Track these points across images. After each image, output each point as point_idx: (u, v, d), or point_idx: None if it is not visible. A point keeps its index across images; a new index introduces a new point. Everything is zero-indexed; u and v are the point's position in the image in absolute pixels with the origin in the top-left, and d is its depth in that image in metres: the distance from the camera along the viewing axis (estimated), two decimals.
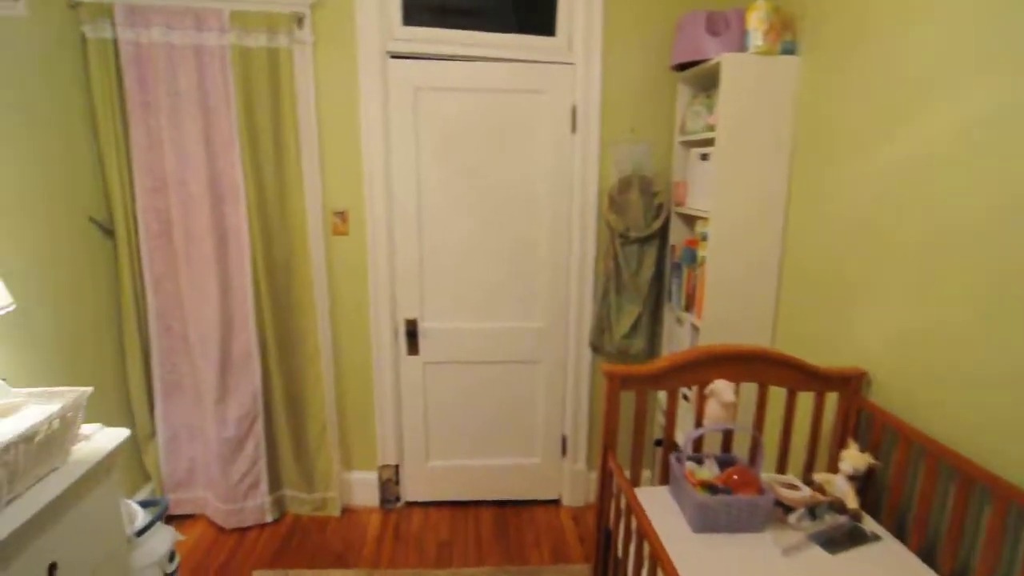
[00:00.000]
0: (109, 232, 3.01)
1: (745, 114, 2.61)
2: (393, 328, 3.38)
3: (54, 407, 1.84)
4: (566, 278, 3.37)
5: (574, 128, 3.17)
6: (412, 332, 3.39)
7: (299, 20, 2.92)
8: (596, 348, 3.38)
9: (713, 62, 2.68)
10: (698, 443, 2.61)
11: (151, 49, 2.82)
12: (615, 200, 3.14)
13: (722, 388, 2.23)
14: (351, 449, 3.51)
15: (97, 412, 2.92)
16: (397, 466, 3.54)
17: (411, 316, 3.38)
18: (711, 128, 2.73)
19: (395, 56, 3.07)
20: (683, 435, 2.95)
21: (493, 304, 3.40)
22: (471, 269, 3.36)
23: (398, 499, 3.59)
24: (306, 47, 2.98)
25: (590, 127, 3.15)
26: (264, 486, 3.31)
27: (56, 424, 1.73)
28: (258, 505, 3.32)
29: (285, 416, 3.28)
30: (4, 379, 1.95)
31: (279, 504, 3.41)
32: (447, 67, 3.10)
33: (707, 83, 3.00)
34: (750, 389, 2.70)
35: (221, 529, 3.31)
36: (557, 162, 3.21)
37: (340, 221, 3.25)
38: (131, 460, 3.26)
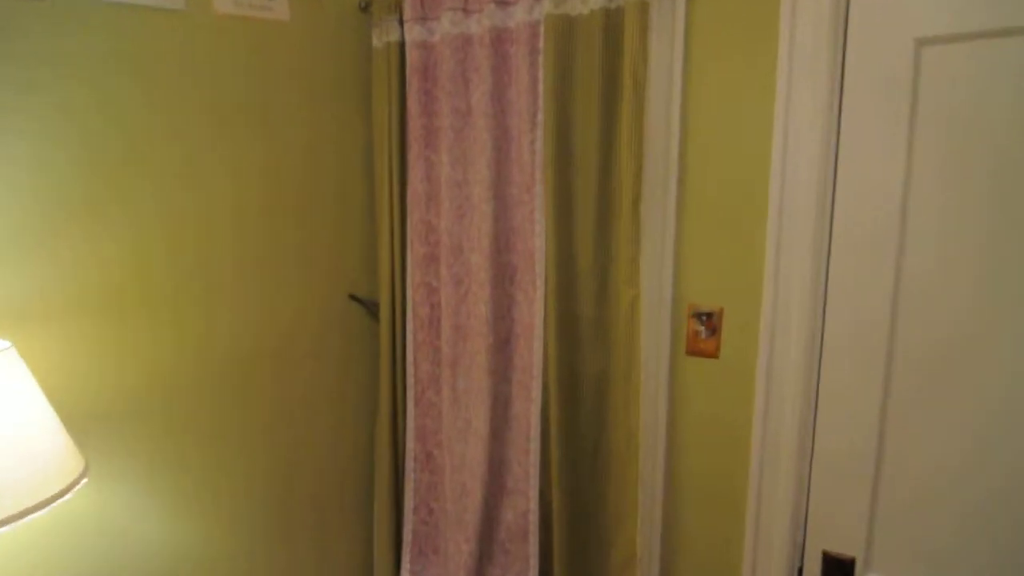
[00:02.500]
0: (374, 311, 2.00)
1: None
2: (791, 566, 1.45)
3: None
4: None
5: None
6: None
7: None
8: None
9: None
10: None
11: (440, 49, 1.76)
12: None
13: None
14: None
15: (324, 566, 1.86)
16: None
17: (839, 550, 1.40)
18: None
19: None
20: None
21: None
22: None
23: None
24: (672, 3, 1.50)
25: None
26: None
27: None
28: None
29: None
30: None
31: None
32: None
33: None
34: None
35: None
36: None
37: (704, 330, 1.56)
38: None
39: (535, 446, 1.71)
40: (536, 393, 1.69)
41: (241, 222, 1.64)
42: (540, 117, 1.59)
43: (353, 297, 1.92)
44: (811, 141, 1.36)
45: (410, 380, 1.91)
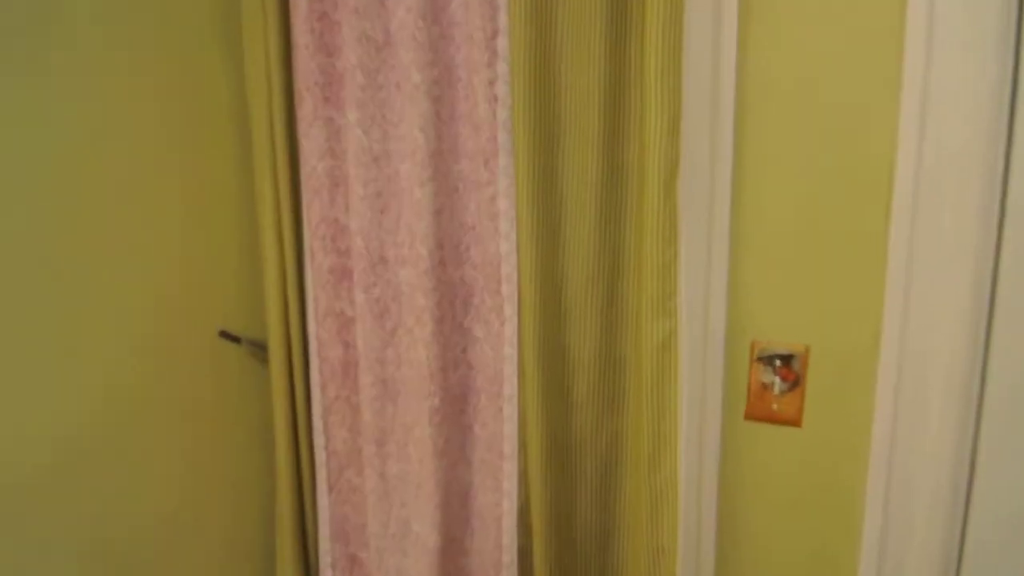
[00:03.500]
0: (261, 354, 1.31)
1: None
2: None
3: None
4: None
5: None
6: None
7: None
8: None
9: None
10: None
11: None
12: None
13: None
14: None
15: None
16: None
17: None
18: None
19: None
20: None
21: None
22: None
23: None
24: None
25: None
26: None
27: None
28: None
29: None
30: None
31: None
32: None
33: None
34: None
35: None
36: None
37: (779, 382, 0.95)
38: None
39: (510, 559, 1.08)
40: (510, 482, 1.05)
41: (28, 233, 0.94)
42: (502, 43, 0.93)
43: (227, 336, 1.23)
44: (971, 80, 0.74)
45: (320, 455, 1.23)
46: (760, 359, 0.95)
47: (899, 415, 0.88)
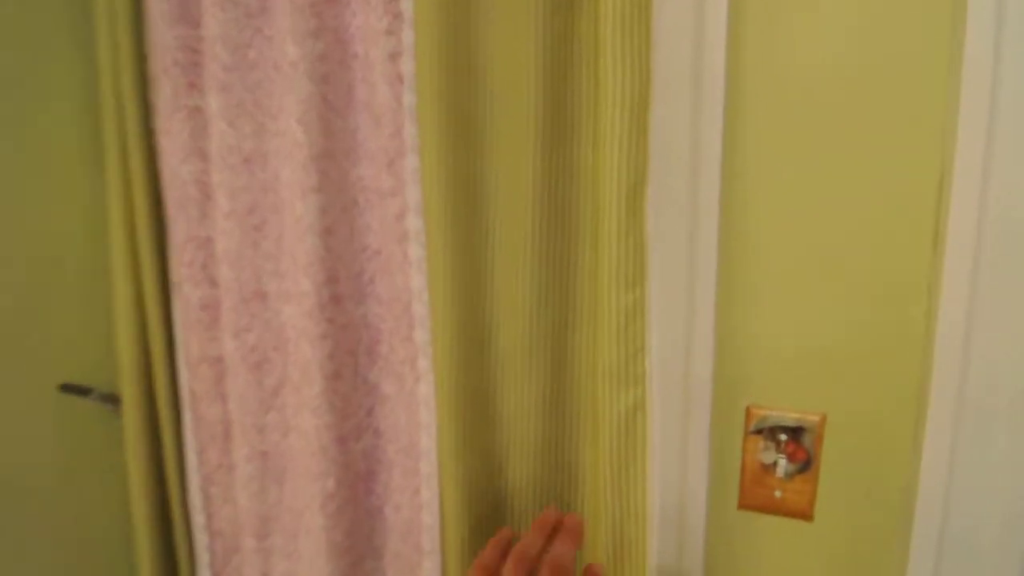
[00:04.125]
0: (114, 405, 1.02)
1: None
2: None
3: None
4: None
5: None
6: None
7: None
8: None
9: None
10: None
11: None
12: None
13: None
14: None
15: None
16: None
17: None
18: None
19: None
20: None
21: None
22: None
23: None
24: None
25: None
26: None
27: None
28: None
29: None
30: None
31: None
32: None
33: None
34: None
35: None
36: None
37: (784, 462, 0.69)
38: None
39: None
40: None
41: None
42: (407, 2, 0.65)
43: (71, 389, 0.93)
44: None
45: (200, 537, 0.94)
46: (758, 431, 0.69)
47: (950, 506, 0.63)
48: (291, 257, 0.78)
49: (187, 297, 0.88)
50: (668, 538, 0.71)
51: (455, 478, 0.70)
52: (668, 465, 0.70)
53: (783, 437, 0.68)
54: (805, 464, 0.68)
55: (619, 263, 0.59)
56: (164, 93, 0.84)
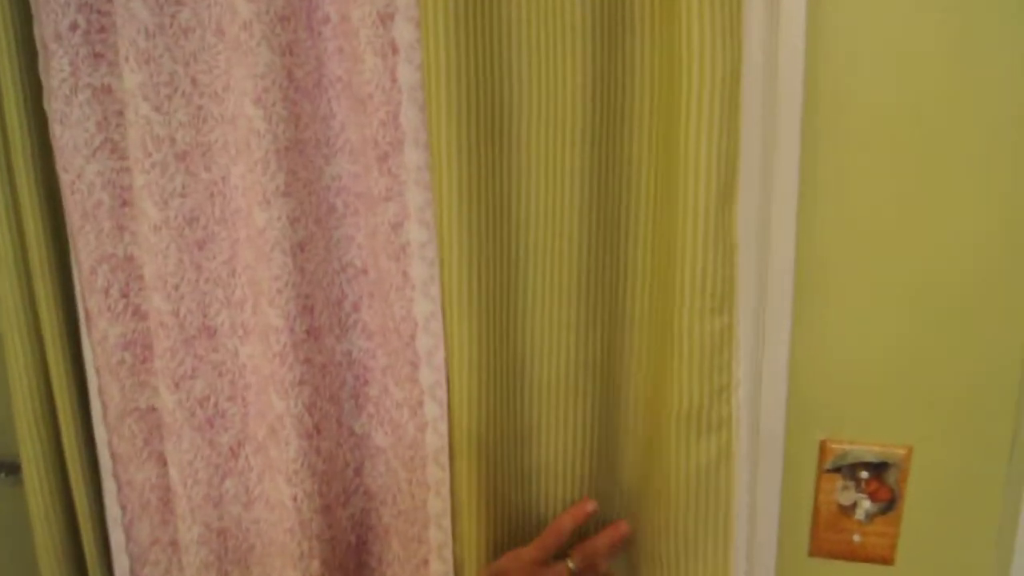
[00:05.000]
0: (10, 474, 0.79)
1: None
2: None
3: None
4: None
5: None
6: None
7: None
8: None
9: None
10: None
11: None
12: None
13: None
14: None
15: None
16: None
17: None
18: None
19: None
20: None
21: None
22: None
23: None
24: None
25: None
26: None
27: None
28: None
29: None
30: None
31: None
32: None
33: None
34: None
35: None
36: None
37: (867, 503, 0.58)
38: None
39: None
40: None
41: None
42: None
43: None
44: None
45: None
46: (835, 469, 0.58)
47: None
48: (250, 282, 0.59)
49: (102, 334, 0.66)
50: None
51: (478, 546, 0.55)
52: (737, 512, 0.58)
53: (864, 474, 0.58)
54: (888, 504, 0.58)
55: (704, 279, 0.46)
56: (58, 68, 0.62)
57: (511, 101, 0.50)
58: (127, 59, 0.56)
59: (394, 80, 0.53)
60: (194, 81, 0.58)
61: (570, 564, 0.48)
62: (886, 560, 0.60)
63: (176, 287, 0.60)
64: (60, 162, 0.63)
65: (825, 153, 0.53)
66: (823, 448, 0.59)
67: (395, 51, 0.52)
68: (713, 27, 0.42)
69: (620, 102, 0.49)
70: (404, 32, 0.52)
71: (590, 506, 0.50)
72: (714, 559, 0.51)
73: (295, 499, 0.59)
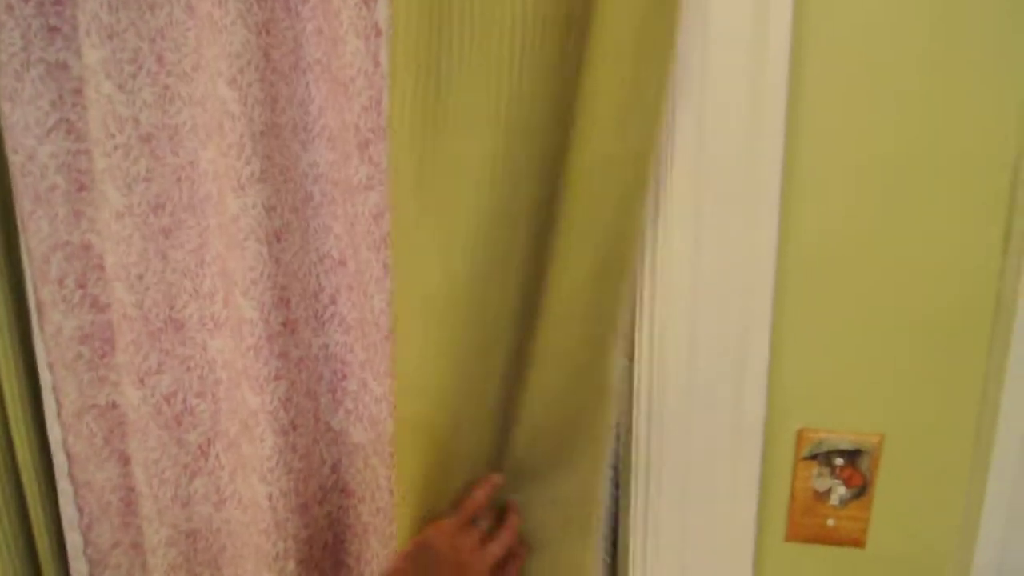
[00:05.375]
0: None
1: None
2: None
3: None
4: None
5: None
6: None
7: None
8: None
9: None
10: None
11: None
12: None
13: None
14: None
15: None
16: None
17: None
18: None
19: None
20: None
21: None
22: None
23: None
24: None
25: None
26: None
27: None
28: None
29: None
30: None
31: None
32: None
33: None
34: None
35: None
36: None
37: (843, 488, 0.59)
38: None
39: None
40: None
41: None
42: None
43: None
44: None
45: None
46: (812, 457, 0.59)
47: (1012, 533, 0.56)
48: (219, 272, 0.56)
49: (56, 327, 0.62)
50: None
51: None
52: (717, 499, 0.58)
53: (839, 461, 0.59)
54: (861, 489, 0.60)
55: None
56: (8, 41, 0.57)
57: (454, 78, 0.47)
58: (88, 33, 0.52)
59: (377, 64, 0.51)
60: (160, 59, 0.54)
61: (482, 524, 0.53)
62: (858, 543, 0.62)
63: (140, 277, 0.56)
64: (9, 142, 0.59)
65: (808, 151, 0.53)
66: (800, 437, 0.60)
67: (378, 33, 0.50)
68: None
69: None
70: (388, 14, 0.49)
71: (497, 478, 0.55)
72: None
73: (270, 498, 0.56)
